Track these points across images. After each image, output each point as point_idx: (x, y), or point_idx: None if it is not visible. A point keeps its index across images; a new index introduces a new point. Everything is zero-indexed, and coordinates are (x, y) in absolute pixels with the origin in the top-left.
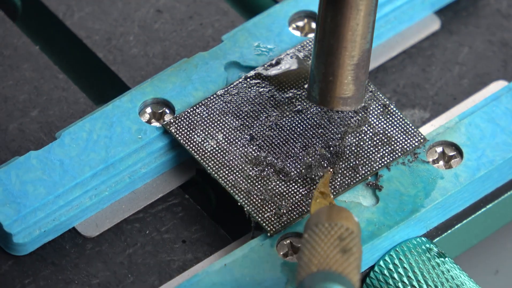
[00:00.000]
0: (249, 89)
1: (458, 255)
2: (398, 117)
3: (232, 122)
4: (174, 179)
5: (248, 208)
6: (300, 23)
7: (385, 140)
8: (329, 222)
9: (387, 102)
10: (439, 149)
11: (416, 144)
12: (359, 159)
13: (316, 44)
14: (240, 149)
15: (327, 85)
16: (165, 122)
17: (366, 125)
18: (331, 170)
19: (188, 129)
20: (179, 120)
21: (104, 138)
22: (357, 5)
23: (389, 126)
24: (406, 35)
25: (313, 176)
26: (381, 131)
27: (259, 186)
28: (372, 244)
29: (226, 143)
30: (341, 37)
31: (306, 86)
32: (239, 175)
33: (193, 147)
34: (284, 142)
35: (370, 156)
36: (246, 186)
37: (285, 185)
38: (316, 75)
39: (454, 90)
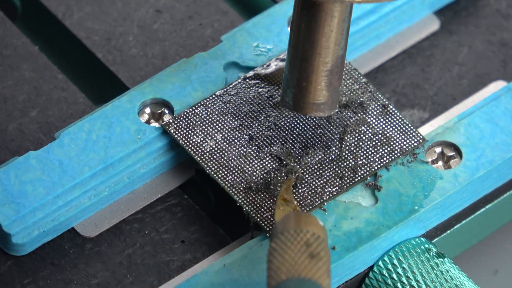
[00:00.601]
0: (248, 90)
1: (457, 255)
2: (397, 117)
3: (231, 122)
4: (173, 179)
5: (247, 208)
6: None
7: (384, 140)
8: (294, 229)
9: (386, 102)
10: (438, 150)
11: (415, 144)
12: (358, 160)
13: (290, 50)
14: (239, 149)
15: (300, 90)
16: (164, 123)
17: (365, 125)
18: (292, 177)
19: (187, 129)
20: (178, 120)
21: (103, 138)
22: (331, 11)
23: (388, 127)
24: (405, 35)
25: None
26: (380, 131)
27: (258, 186)
28: (371, 244)
29: (225, 144)
30: (315, 43)
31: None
32: (238, 175)
33: (192, 148)
34: (283, 142)
35: (369, 157)
36: (245, 186)
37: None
38: (289, 80)
39: (453, 90)
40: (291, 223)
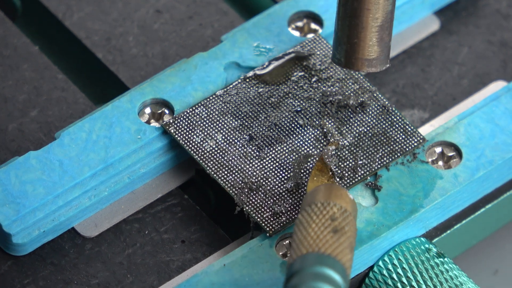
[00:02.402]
0: (248, 90)
1: (457, 255)
2: (397, 117)
3: (231, 122)
4: (173, 179)
5: (247, 208)
6: (300, 24)
7: (384, 140)
8: (322, 202)
9: (386, 102)
10: (438, 149)
11: (415, 144)
12: (358, 160)
13: (340, 8)
14: (239, 149)
15: (352, 47)
16: (165, 123)
17: (365, 125)
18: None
19: (188, 129)
20: (179, 120)
21: (104, 138)
22: None
23: (389, 126)
24: (406, 35)
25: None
26: (381, 131)
27: (258, 186)
28: (371, 245)
29: (225, 143)
30: None
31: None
32: (238, 175)
33: (192, 147)
34: (283, 142)
35: (369, 157)
36: (245, 186)
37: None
38: (340, 37)
39: (453, 90)
40: (319, 195)
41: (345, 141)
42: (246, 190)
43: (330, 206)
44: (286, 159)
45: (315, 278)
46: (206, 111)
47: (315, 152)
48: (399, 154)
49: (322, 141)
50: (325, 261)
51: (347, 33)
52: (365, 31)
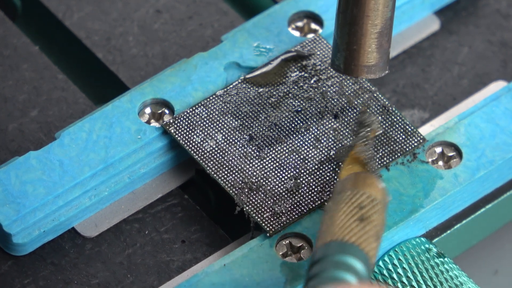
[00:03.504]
0: (249, 90)
1: (458, 255)
2: (398, 117)
3: (231, 122)
4: (174, 179)
5: (247, 208)
6: (300, 24)
7: (385, 140)
8: (351, 190)
9: (387, 102)
10: (439, 149)
11: (416, 144)
12: None
13: (339, 15)
14: (240, 149)
15: (351, 54)
16: (165, 123)
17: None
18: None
19: (188, 129)
20: (179, 120)
21: (104, 138)
22: None
23: (389, 126)
24: (406, 35)
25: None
26: (381, 131)
27: (258, 186)
28: None
29: (225, 143)
30: (364, 6)
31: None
32: (238, 175)
33: (193, 148)
34: (283, 142)
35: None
36: (245, 186)
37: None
38: (339, 44)
39: (453, 90)
40: (349, 183)
41: (345, 141)
42: (246, 190)
43: (359, 194)
44: (286, 159)
45: (336, 266)
46: (206, 111)
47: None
48: (399, 154)
49: (322, 141)
50: (347, 250)
51: (347, 40)
52: (364, 38)
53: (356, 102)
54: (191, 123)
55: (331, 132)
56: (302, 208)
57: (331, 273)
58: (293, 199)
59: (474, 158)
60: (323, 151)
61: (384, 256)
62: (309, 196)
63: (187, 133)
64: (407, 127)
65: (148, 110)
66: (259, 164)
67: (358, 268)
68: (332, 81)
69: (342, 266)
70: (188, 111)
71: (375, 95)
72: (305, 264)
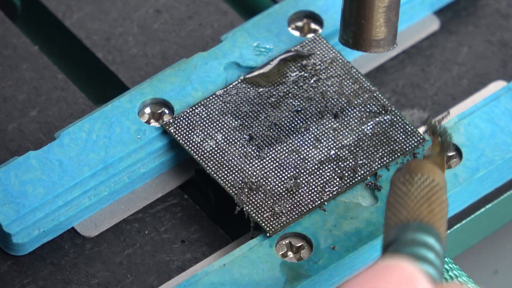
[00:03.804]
0: (248, 90)
1: (458, 255)
2: (398, 117)
3: (231, 122)
4: (173, 179)
5: (247, 208)
6: (300, 23)
7: (384, 140)
8: (420, 174)
9: (386, 102)
10: None
11: (415, 144)
12: (358, 160)
13: None
14: (239, 149)
15: (359, 28)
16: (164, 122)
17: (366, 125)
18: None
19: (187, 129)
20: (178, 120)
21: (103, 138)
22: None
23: (389, 126)
24: (405, 35)
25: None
26: (380, 131)
27: (258, 186)
28: (371, 244)
29: (225, 143)
30: None
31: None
32: (238, 175)
33: (192, 147)
34: (283, 142)
35: (369, 157)
36: (245, 186)
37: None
38: (347, 19)
39: (453, 90)
40: (414, 169)
41: (345, 141)
42: (246, 190)
43: (425, 178)
44: (286, 159)
45: (417, 245)
46: (206, 111)
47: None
48: (399, 154)
49: (322, 141)
50: (426, 230)
51: (355, 14)
52: (372, 12)
53: (356, 102)
54: (191, 123)
55: (331, 132)
56: (302, 208)
57: (413, 250)
58: (293, 199)
59: (474, 158)
60: (323, 151)
61: None
62: (309, 196)
63: (187, 133)
64: (407, 127)
65: (147, 110)
66: (259, 164)
67: (436, 247)
68: (332, 80)
69: (423, 245)
70: (188, 111)
71: (375, 94)
72: (305, 264)
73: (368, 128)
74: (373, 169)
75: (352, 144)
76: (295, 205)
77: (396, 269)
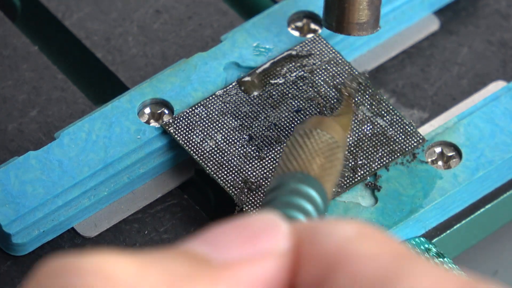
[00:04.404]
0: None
1: (457, 255)
2: (397, 117)
3: (231, 122)
4: (173, 179)
5: (247, 208)
6: (299, 24)
7: (384, 140)
8: (317, 130)
9: (386, 102)
10: (438, 150)
11: (415, 144)
12: (358, 160)
13: None
14: (239, 149)
15: (342, 12)
16: (164, 123)
17: (366, 125)
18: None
19: (187, 129)
20: (178, 120)
21: (103, 138)
22: None
23: (388, 126)
24: (405, 35)
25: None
26: (380, 131)
27: (258, 186)
28: None
29: (225, 144)
30: None
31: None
32: (238, 175)
33: (192, 148)
34: (283, 142)
35: (369, 157)
36: (245, 186)
37: None
38: (331, 2)
39: (453, 90)
40: (314, 124)
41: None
42: (246, 190)
43: (325, 136)
44: None
45: (294, 194)
46: (205, 111)
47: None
48: (398, 154)
49: None
50: (309, 182)
51: None
52: None
53: (355, 102)
54: (191, 123)
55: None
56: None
57: (288, 199)
58: None
59: (474, 158)
60: None
61: None
62: None
63: (187, 133)
64: (407, 127)
65: (147, 110)
66: (258, 164)
67: (316, 199)
68: (332, 81)
69: (300, 194)
70: (188, 111)
71: (374, 94)
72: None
73: (368, 128)
74: (372, 169)
75: (352, 144)
76: None
77: (257, 218)
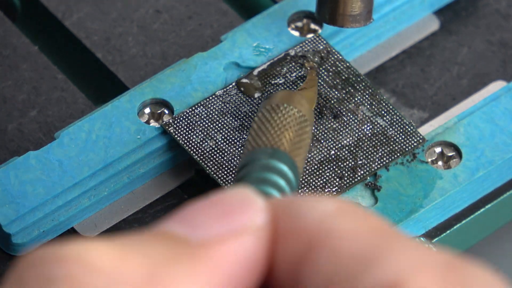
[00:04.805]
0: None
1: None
2: (397, 117)
3: (231, 122)
4: (173, 179)
5: None
6: (299, 24)
7: (384, 140)
8: (284, 104)
9: (386, 102)
10: (438, 150)
11: (415, 144)
12: (358, 160)
13: None
14: (239, 149)
15: (335, 3)
16: (164, 123)
17: (366, 125)
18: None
19: (187, 129)
20: (178, 120)
21: (103, 138)
22: None
23: (388, 126)
24: (405, 35)
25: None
26: (380, 131)
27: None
28: None
29: (225, 144)
30: None
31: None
32: None
33: (192, 148)
34: None
35: (369, 157)
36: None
37: None
38: None
39: (453, 90)
40: (280, 99)
41: (344, 141)
42: None
43: (289, 109)
44: None
45: (266, 169)
46: (205, 111)
47: None
48: (398, 154)
49: (322, 141)
50: (280, 156)
51: None
52: None
53: (355, 102)
54: (191, 123)
55: (331, 132)
56: None
57: (259, 175)
58: None
59: (474, 158)
60: (323, 151)
61: None
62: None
63: (187, 133)
64: (407, 127)
65: (147, 110)
66: None
67: (289, 175)
68: (332, 81)
69: (272, 170)
70: (188, 111)
71: (374, 94)
72: None
73: (368, 128)
74: (372, 169)
75: (352, 144)
76: None
77: (232, 194)
